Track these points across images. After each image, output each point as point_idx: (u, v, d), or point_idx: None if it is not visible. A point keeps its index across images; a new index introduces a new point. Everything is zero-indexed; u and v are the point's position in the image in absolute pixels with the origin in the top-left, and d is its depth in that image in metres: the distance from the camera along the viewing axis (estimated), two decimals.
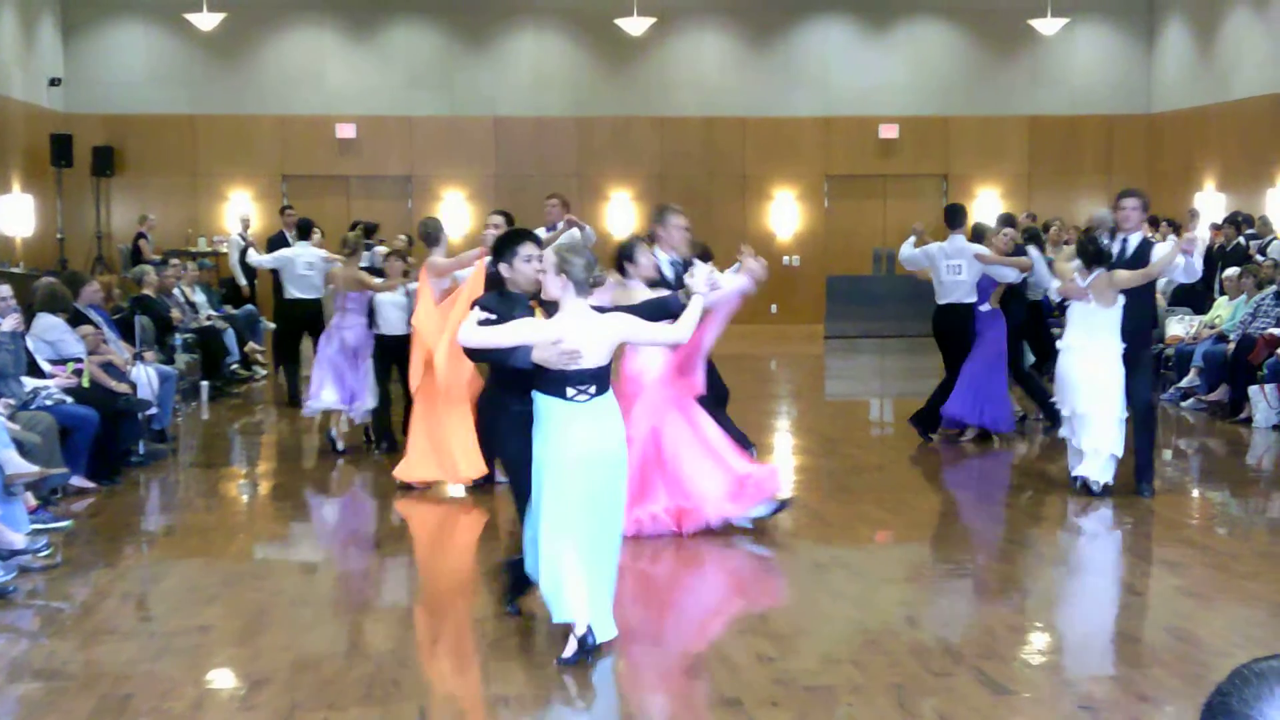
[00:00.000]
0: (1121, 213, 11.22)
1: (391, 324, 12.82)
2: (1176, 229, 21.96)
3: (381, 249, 17.25)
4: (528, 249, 7.40)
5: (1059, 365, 11.01)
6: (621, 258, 9.34)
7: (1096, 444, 10.79)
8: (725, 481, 9.64)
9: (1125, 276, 10.71)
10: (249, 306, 20.41)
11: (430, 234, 11.82)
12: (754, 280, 9.57)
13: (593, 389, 6.78)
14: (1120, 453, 10.86)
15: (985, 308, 13.48)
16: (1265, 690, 1.83)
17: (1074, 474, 11.04)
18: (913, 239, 13.84)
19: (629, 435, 9.42)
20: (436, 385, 11.11)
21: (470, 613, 8.19)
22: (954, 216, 13.68)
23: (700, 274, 6.86)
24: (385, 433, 13.20)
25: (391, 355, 12.82)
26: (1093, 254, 10.80)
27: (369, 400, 13.11)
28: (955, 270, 13.41)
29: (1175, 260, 10.61)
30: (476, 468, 11.00)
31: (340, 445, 13.16)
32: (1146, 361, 11.16)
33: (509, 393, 7.15)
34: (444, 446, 11.14)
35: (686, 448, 9.65)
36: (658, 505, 9.59)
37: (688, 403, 9.79)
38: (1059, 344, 11.15)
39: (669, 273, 10.17)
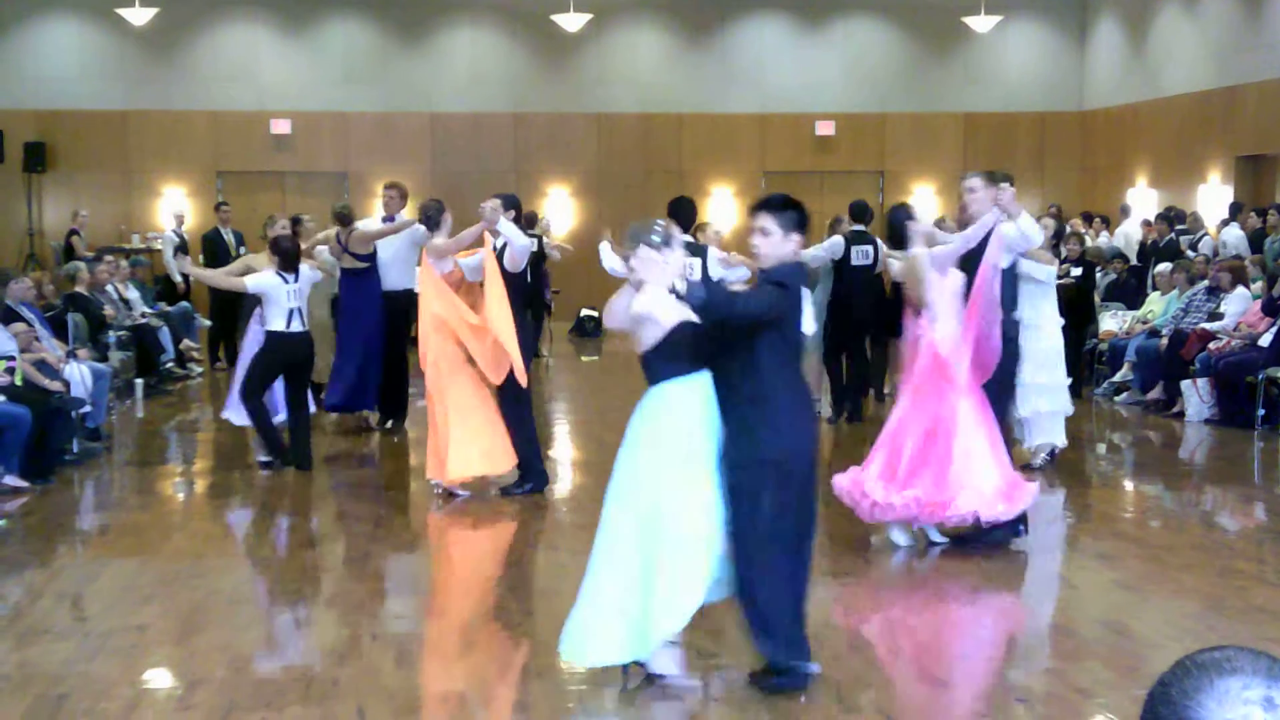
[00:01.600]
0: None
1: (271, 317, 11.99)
2: (1107, 223, 22.23)
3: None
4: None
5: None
6: (899, 226, 8.86)
7: (1055, 406, 11.75)
8: (1000, 479, 8.84)
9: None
10: (184, 304, 20.24)
11: (430, 216, 11.58)
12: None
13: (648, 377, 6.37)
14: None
15: None
16: (1205, 682, 1.85)
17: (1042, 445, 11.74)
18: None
19: (922, 418, 8.79)
20: (468, 376, 10.77)
21: (409, 610, 8.17)
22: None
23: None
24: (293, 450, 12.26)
25: (282, 355, 12.04)
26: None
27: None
28: None
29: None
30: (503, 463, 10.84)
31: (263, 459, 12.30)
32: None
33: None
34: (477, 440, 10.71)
35: (968, 437, 8.81)
36: (916, 491, 8.84)
37: (974, 386, 8.92)
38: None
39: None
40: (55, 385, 12.00)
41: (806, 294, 6.43)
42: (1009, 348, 11.20)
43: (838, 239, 14.56)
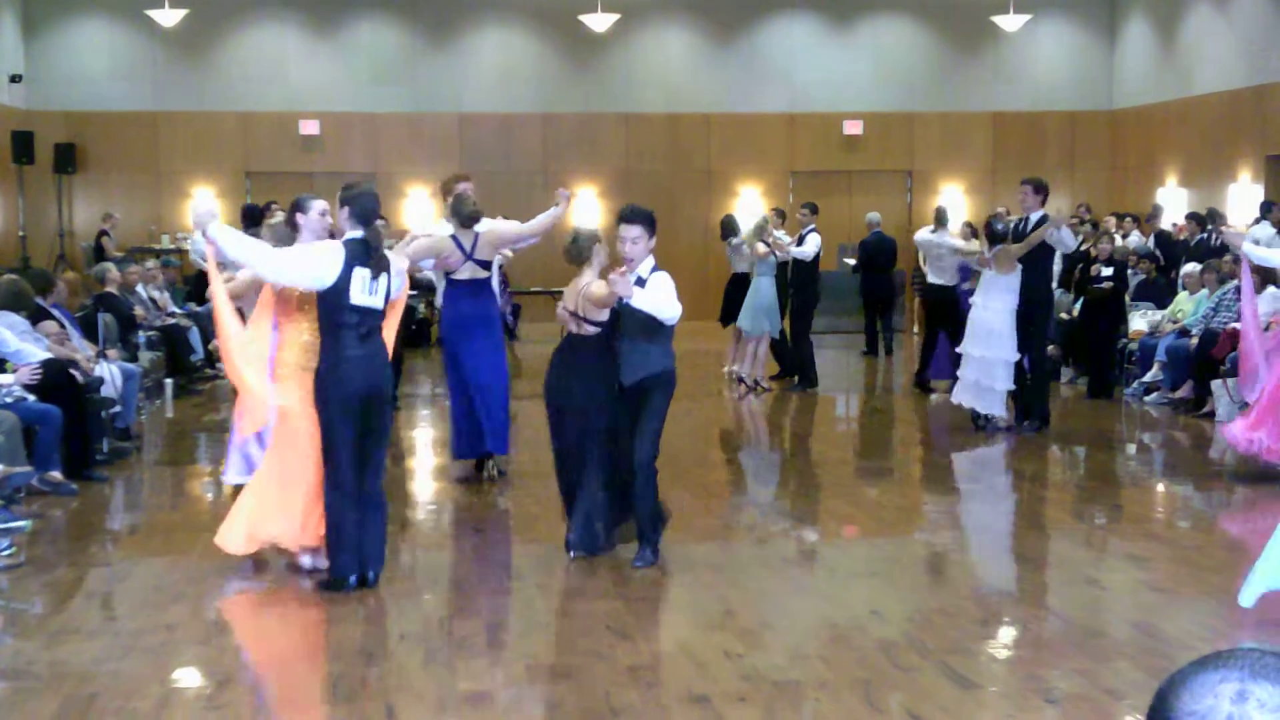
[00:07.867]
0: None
1: None
2: (1138, 221, 22.15)
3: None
4: None
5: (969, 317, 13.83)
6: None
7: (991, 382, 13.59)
8: None
9: (1016, 248, 13.34)
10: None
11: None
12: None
13: None
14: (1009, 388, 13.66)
15: (967, 286, 16.01)
16: (1189, 676, 1.86)
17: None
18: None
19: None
20: None
21: (436, 610, 8.18)
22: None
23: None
24: None
25: None
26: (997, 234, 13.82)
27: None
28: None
29: (1050, 234, 13.21)
30: None
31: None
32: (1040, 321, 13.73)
33: None
34: None
35: None
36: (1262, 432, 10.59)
37: None
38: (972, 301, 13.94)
39: None
40: (81, 359, 12.01)
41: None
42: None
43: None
